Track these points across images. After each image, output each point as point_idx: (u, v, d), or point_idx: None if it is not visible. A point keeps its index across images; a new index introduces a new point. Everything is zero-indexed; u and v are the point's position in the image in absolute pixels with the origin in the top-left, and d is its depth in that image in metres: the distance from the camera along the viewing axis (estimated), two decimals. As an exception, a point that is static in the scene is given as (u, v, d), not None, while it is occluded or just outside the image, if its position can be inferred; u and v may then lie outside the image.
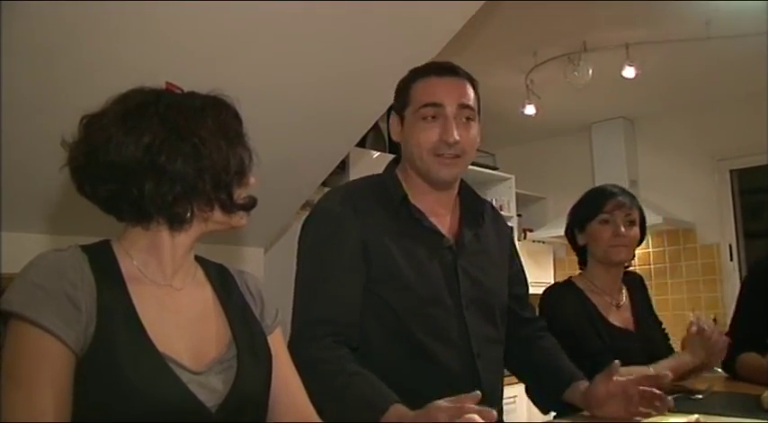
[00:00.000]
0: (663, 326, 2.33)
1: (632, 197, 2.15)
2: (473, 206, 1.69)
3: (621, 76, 3.88)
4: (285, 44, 2.16)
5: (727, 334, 2.35)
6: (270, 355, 1.26)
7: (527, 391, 1.90)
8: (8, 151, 1.95)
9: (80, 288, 1.06)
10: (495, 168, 5.16)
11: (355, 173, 3.80)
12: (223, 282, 1.30)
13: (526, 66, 4.05)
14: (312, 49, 2.15)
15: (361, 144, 3.90)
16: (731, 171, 4.83)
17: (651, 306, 2.34)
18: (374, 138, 4.03)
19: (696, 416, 1.19)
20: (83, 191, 1.14)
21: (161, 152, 1.10)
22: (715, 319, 4.44)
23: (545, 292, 2.20)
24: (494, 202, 4.94)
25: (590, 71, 3.86)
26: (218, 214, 1.18)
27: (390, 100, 2.45)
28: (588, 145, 5.35)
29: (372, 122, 2.83)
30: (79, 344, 1.02)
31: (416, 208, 1.58)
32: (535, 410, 4.81)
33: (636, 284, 2.30)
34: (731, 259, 4.76)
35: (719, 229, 4.80)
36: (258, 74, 2.17)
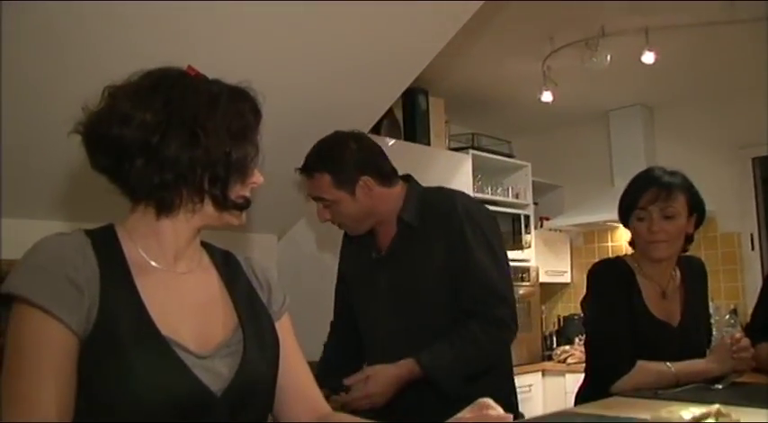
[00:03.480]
0: (711, 319, 2.24)
1: (675, 184, 2.01)
2: (412, 214, 1.97)
3: (641, 61, 3.80)
4: (297, 30, 2.13)
5: (748, 324, 2.31)
6: (277, 341, 1.25)
7: None
8: (13, 137, 1.93)
9: (82, 271, 1.04)
10: (511, 156, 5.11)
11: (369, 160, 3.77)
12: (229, 267, 1.28)
13: (543, 52, 3.98)
14: (325, 34, 2.13)
15: (377, 131, 3.87)
16: (753, 159, 4.75)
17: (706, 295, 2.22)
18: (389, 125, 3.99)
19: (717, 406, 1.15)
20: (90, 158, 1.14)
21: (156, 133, 1.08)
22: (735, 310, 4.38)
23: (593, 266, 2.14)
24: (510, 191, 4.92)
25: (608, 57, 3.78)
26: (209, 209, 1.16)
27: (404, 86, 2.45)
28: (606, 133, 5.27)
29: (385, 109, 2.80)
30: (81, 327, 1.01)
31: (372, 234, 2.05)
32: (551, 399, 4.78)
33: (694, 270, 2.19)
34: (752, 249, 4.69)
35: (740, 218, 4.72)
36: (269, 60, 2.14)
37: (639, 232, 2.04)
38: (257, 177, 1.22)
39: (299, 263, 3.25)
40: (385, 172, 1.99)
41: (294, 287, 3.04)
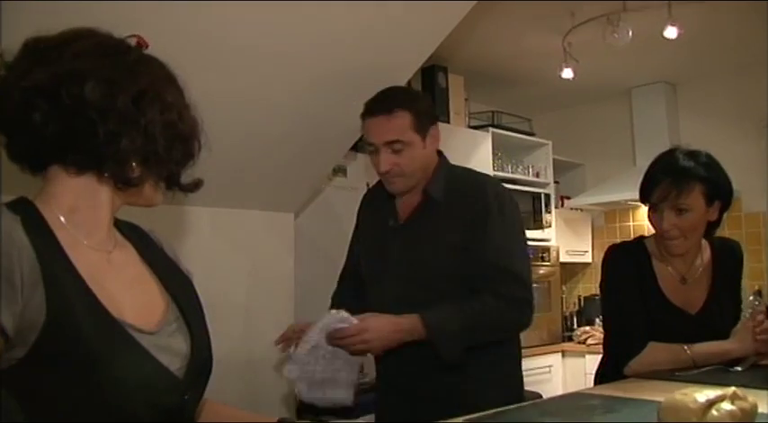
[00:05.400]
0: (741, 305, 2.12)
1: (690, 174, 1.89)
2: (439, 187, 1.95)
3: (663, 37, 3.72)
4: (308, 7, 2.10)
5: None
6: (204, 313, 1.21)
7: None
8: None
9: (15, 259, 0.92)
10: (531, 134, 5.05)
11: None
12: (141, 240, 1.22)
13: (563, 27, 3.91)
14: (337, 10, 2.09)
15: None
16: (778, 136, 4.64)
17: (738, 281, 2.11)
18: (406, 103, 3.96)
19: (733, 388, 1.12)
20: (28, 119, 0.99)
21: (147, 109, 1.03)
22: (759, 291, 4.31)
23: (608, 249, 2.09)
24: (530, 169, 4.87)
25: (630, 32, 3.70)
26: (155, 187, 1.11)
27: (420, 62, 2.41)
28: (628, 110, 5.19)
29: (401, 84, 2.76)
30: (11, 325, 0.91)
31: (386, 197, 2.03)
32: (571, 379, 4.77)
33: (727, 254, 2.08)
34: (777, 228, 4.61)
35: (766, 197, 4.62)
36: (285, 38, 2.12)
37: (653, 224, 1.97)
38: None
39: (317, 241, 3.24)
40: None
41: (311, 265, 3.05)
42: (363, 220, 2.18)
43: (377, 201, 2.10)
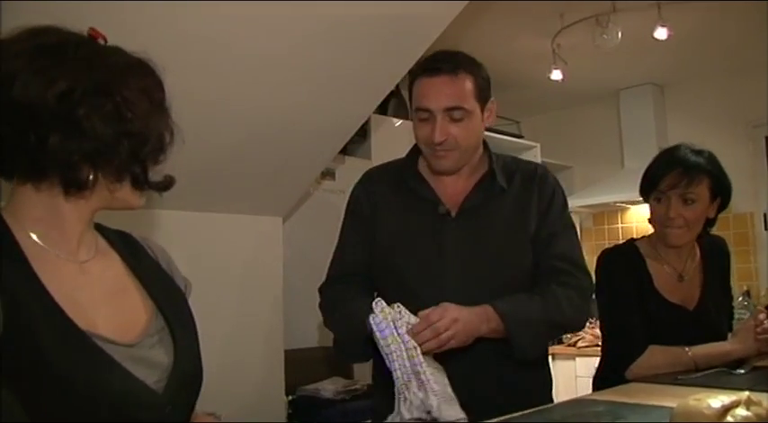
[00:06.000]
0: (732, 301, 2.18)
1: (699, 167, 1.92)
2: (500, 171, 1.74)
3: (652, 38, 3.72)
4: (300, 7, 2.06)
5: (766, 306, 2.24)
6: (195, 325, 1.16)
7: None
8: None
9: None
10: (520, 136, 5.03)
11: (377, 140, 3.71)
12: (129, 248, 1.17)
13: (552, 29, 3.89)
14: (329, 11, 2.05)
15: (383, 111, 3.80)
16: (766, 138, 4.65)
17: (727, 277, 2.15)
18: (396, 105, 3.92)
19: (747, 393, 1.08)
20: None
21: (80, 104, 0.95)
22: (748, 291, 4.31)
23: (602, 253, 2.08)
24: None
25: (619, 34, 3.70)
26: (126, 189, 1.04)
27: (410, 63, 2.35)
28: (616, 112, 5.19)
29: (392, 87, 2.72)
30: None
31: (419, 180, 1.76)
32: (562, 382, 4.73)
33: (715, 251, 2.12)
34: (766, 229, 4.61)
35: (754, 198, 4.63)
36: (271, 37, 2.07)
37: (657, 214, 1.98)
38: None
39: (306, 244, 3.19)
40: None
41: (300, 269, 3.00)
42: (382, 206, 1.78)
43: (392, 183, 1.80)
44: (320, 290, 1.85)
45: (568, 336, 4.76)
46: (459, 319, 1.44)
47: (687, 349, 1.84)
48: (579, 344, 4.57)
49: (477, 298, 1.56)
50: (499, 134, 4.72)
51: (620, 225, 5.26)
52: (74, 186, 0.99)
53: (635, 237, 2.15)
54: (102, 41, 1.06)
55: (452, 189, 1.74)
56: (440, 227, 1.69)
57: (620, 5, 3.60)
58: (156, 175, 1.08)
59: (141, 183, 1.05)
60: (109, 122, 0.98)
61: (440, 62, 1.66)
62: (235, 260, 2.66)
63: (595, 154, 5.35)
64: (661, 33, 3.67)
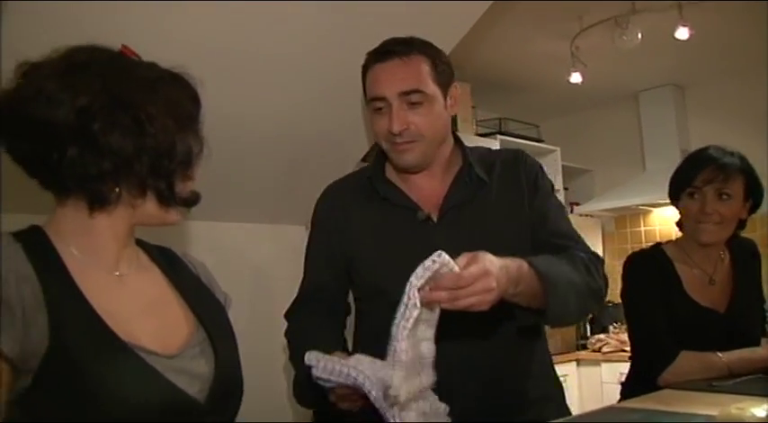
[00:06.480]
0: (765, 304, 2.12)
1: (734, 165, 1.91)
2: (477, 163, 1.61)
3: (672, 39, 3.67)
4: (321, 8, 2.06)
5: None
6: (235, 339, 1.17)
7: None
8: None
9: (13, 285, 0.91)
10: (539, 140, 4.99)
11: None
12: (170, 263, 1.18)
13: (571, 31, 3.86)
14: (348, 18, 2.05)
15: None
16: (791, 137, 4.58)
17: (758, 280, 2.11)
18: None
19: (790, 401, 1.05)
20: (4, 146, 1.00)
21: (96, 118, 0.96)
22: (774, 293, 4.24)
23: (628, 258, 2.05)
24: (539, 176, 4.79)
25: (639, 35, 3.66)
26: (151, 205, 1.05)
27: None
28: (636, 114, 5.14)
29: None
30: (15, 351, 0.89)
31: (389, 186, 1.60)
32: (587, 388, 4.65)
33: (745, 253, 2.08)
34: (794, 229, 4.53)
35: (779, 198, 4.56)
36: (290, 46, 2.07)
37: (690, 211, 1.94)
38: (196, 173, 1.10)
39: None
40: None
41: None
42: (354, 220, 1.62)
43: (360, 194, 1.64)
44: (285, 316, 1.69)
45: (592, 341, 4.72)
46: (492, 275, 1.18)
47: (720, 355, 1.80)
48: (604, 349, 4.52)
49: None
50: (518, 138, 4.69)
51: (642, 228, 5.20)
52: (96, 202, 1.01)
53: (659, 240, 2.12)
54: (135, 58, 1.07)
55: (428, 191, 1.59)
56: (422, 234, 1.53)
57: (639, 6, 3.57)
58: (185, 189, 1.08)
59: (167, 198, 1.05)
60: (127, 137, 0.99)
61: (390, 46, 1.52)
62: (258, 270, 2.65)
63: (616, 157, 5.30)
64: (682, 33, 3.63)
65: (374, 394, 1.12)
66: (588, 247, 1.58)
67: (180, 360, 1.03)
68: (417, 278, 1.13)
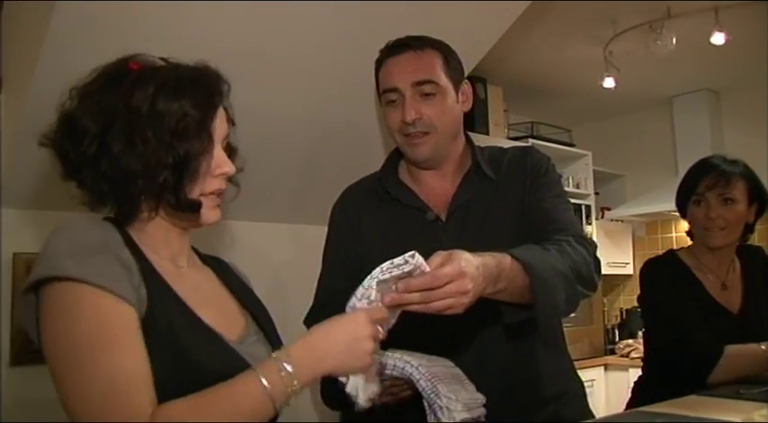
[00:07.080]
0: None
1: (735, 171, 1.98)
2: (485, 162, 1.63)
3: (707, 44, 3.64)
4: (354, 16, 2.08)
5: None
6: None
7: None
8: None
9: (123, 251, 1.03)
10: (571, 145, 4.98)
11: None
12: (221, 267, 1.29)
13: (605, 36, 3.85)
14: (373, 20, 2.07)
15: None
16: (826, 145, 4.51)
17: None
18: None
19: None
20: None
21: (94, 142, 1.05)
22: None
23: (645, 263, 2.09)
24: (570, 180, 4.79)
25: (673, 40, 3.64)
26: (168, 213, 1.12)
27: (466, 72, 2.35)
28: (669, 119, 5.08)
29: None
30: (132, 300, 0.99)
31: (400, 187, 1.64)
32: (614, 394, 4.64)
33: (754, 258, 2.12)
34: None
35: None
36: (308, 46, 2.10)
37: (697, 218, 2.00)
38: (227, 167, 1.14)
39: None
40: None
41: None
42: (366, 222, 1.66)
43: (373, 196, 1.67)
44: (305, 322, 1.69)
45: (620, 346, 4.69)
46: (468, 276, 1.14)
47: (762, 345, 1.82)
48: (633, 355, 4.50)
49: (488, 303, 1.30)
50: (550, 142, 4.69)
51: (674, 234, 5.15)
52: (121, 216, 1.10)
53: (675, 248, 2.17)
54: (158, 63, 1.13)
55: (439, 191, 1.62)
56: (431, 235, 1.55)
57: (674, 11, 3.54)
58: (210, 186, 1.14)
59: (174, 206, 1.10)
60: (123, 159, 1.05)
61: (404, 40, 1.58)
62: (276, 270, 2.69)
63: (648, 162, 5.26)
64: (718, 38, 3.59)
65: (422, 385, 1.20)
66: (581, 232, 1.58)
67: (244, 346, 1.11)
68: (382, 271, 1.10)
